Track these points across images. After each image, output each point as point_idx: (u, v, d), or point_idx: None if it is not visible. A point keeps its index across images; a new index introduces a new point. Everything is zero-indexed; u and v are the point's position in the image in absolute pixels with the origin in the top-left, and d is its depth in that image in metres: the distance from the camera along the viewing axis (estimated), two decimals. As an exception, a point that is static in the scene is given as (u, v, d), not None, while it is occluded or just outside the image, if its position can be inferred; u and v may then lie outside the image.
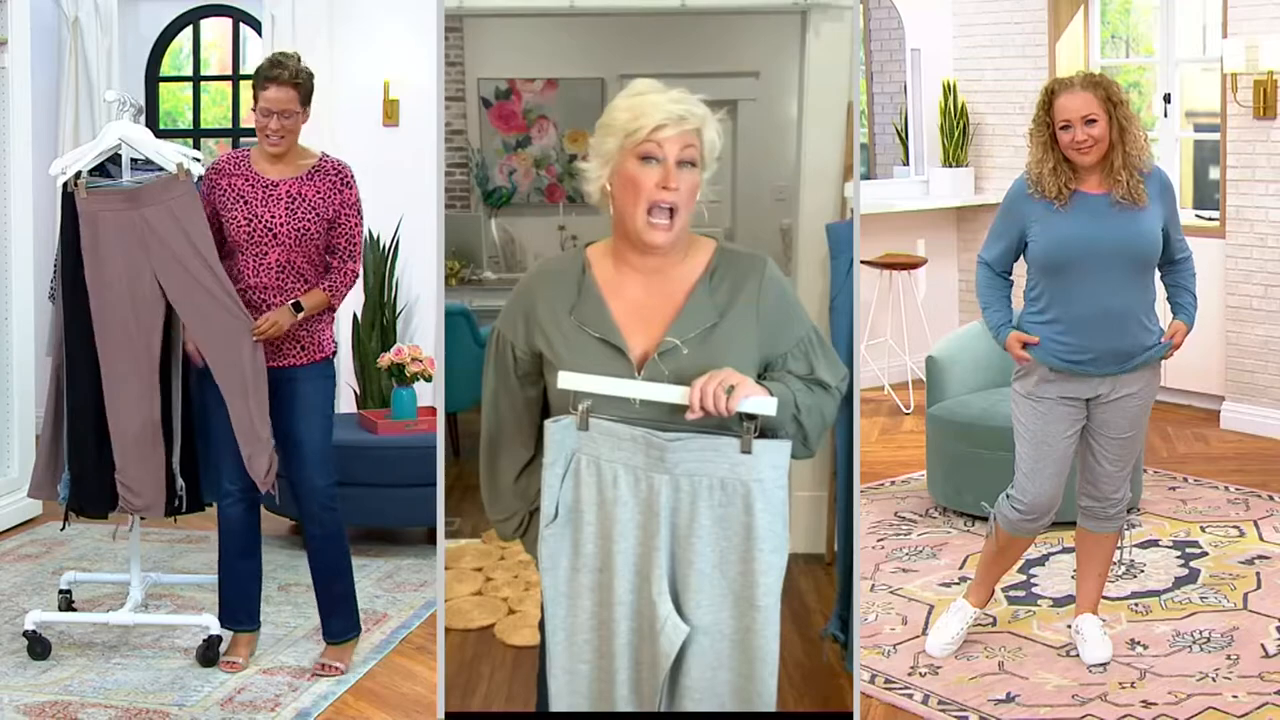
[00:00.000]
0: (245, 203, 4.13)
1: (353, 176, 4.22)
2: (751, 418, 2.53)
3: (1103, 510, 4.17)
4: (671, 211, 2.57)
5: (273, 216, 4.11)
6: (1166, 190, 4.04)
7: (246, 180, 4.15)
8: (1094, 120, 3.88)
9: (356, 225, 4.21)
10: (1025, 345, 4.04)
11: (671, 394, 2.53)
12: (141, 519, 4.36)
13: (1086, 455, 4.14)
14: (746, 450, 2.53)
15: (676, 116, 2.57)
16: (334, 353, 4.30)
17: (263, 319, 4.07)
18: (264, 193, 4.13)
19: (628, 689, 2.60)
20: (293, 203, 4.12)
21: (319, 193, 4.14)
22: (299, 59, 4.17)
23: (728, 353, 2.58)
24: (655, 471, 2.55)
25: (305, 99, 4.14)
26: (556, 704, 2.65)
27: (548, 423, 2.60)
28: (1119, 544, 4.31)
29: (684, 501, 2.55)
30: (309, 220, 4.12)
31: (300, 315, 4.11)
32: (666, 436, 2.54)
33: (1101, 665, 4.14)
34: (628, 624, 2.58)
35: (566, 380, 2.55)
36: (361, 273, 4.26)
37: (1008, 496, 4.18)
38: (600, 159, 2.62)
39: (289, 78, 4.08)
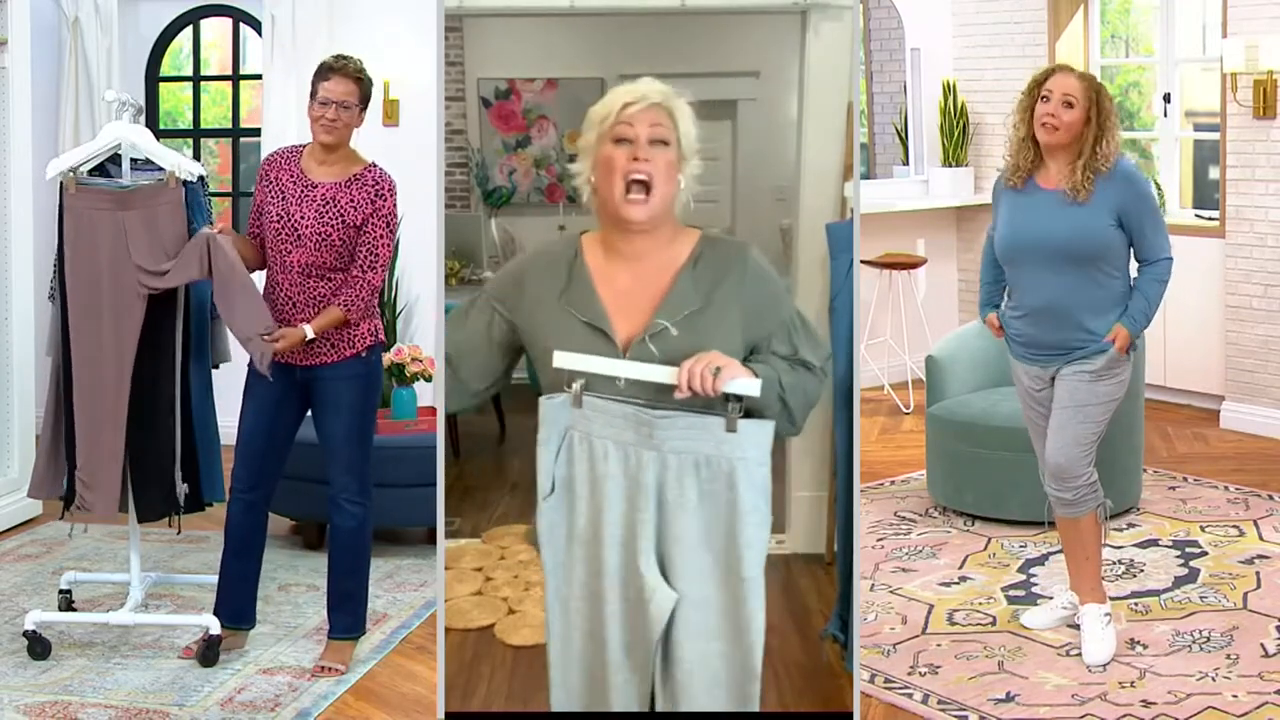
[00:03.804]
0: (283, 199, 4.16)
1: (390, 190, 4.18)
2: (737, 398, 2.62)
3: (1060, 495, 4.23)
4: (647, 187, 2.68)
5: (302, 217, 4.13)
6: (1128, 185, 4.12)
7: (291, 177, 4.19)
8: (1071, 103, 4.07)
9: (382, 236, 4.16)
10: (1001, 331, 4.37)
11: (660, 374, 2.63)
12: (140, 519, 4.35)
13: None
14: (731, 429, 2.63)
15: (640, 94, 2.71)
16: (372, 346, 4.24)
17: (277, 333, 4.09)
18: (302, 192, 4.15)
19: (621, 654, 2.69)
20: (324, 206, 4.13)
21: (351, 200, 4.13)
22: (361, 62, 4.21)
23: (712, 336, 2.68)
24: (644, 447, 2.64)
25: (364, 99, 4.17)
26: (554, 671, 2.76)
27: (542, 400, 2.69)
28: (1104, 531, 4.32)
29: (671, 477, 2.64)
30: (333, 226, 4.11)
31: (310, 339, 4.12)
32: (655, 414, 2.64)
33: (1101, 665, 4.15)
34: (617, 593, 2.67)
35: (562, 359, 2.64)
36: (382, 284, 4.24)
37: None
38: (584, 155, 2.76)
39: (352, 71, 4.14)
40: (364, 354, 4.22)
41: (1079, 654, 4.22)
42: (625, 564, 2.66)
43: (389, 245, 4.19)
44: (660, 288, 2.73)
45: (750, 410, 2.66)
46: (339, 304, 4.13)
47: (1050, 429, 4.23)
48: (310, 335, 4.11)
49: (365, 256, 4.15)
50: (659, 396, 2.65)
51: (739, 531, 2.64)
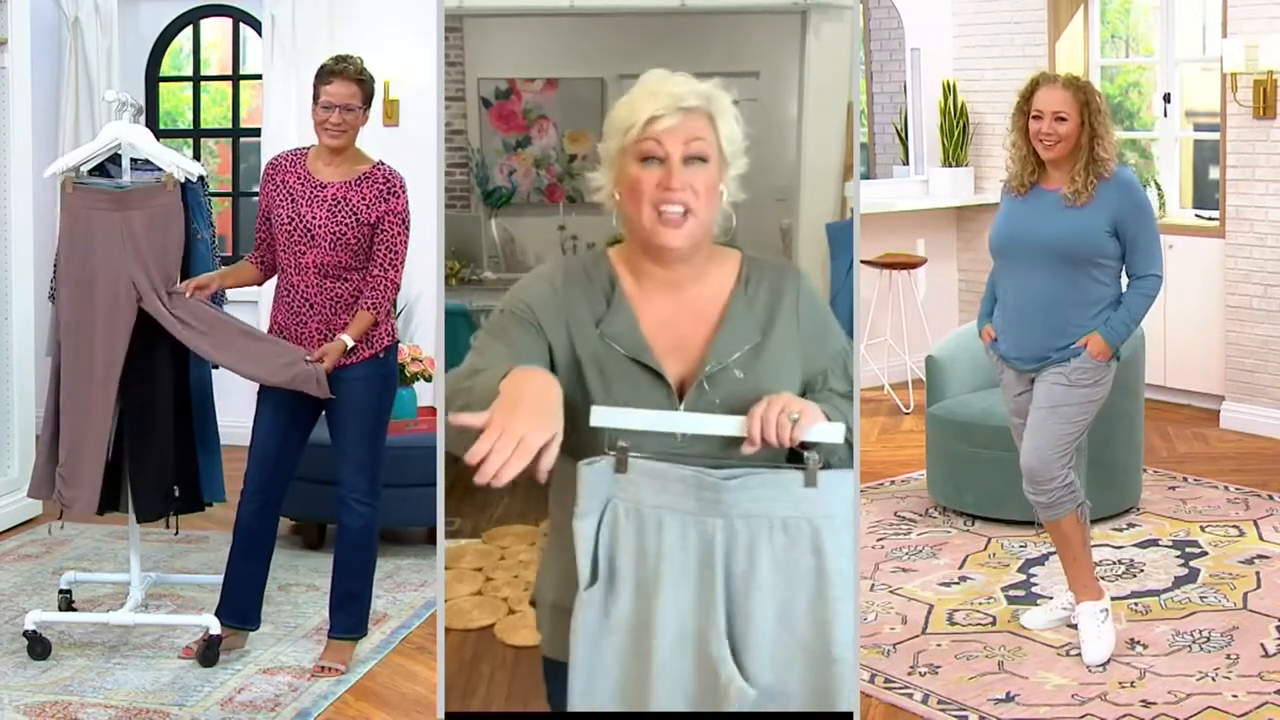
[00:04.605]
0: (292, 201, 4.15)
1: (402, 187, 4.18)
2: (811, 447, 2.23)
3: (1038, 500, 4.24)
4: (686, 210, 2.27)
5: (314, 217, 4.12)
6: (1127, 195, 4.12)
7: (299, 179, 4.18)
8: (1064, 118, 4.07)
9: (399, 235, 4.17)
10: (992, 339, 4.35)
11: (727, 425, 2.22)
12: (140, 519, 4.35)
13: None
14: (811, 484, 2.23)
15: (673, 106, 2.26)
16: (389, 346, 4.24)
17: (319, 353, 4.10)
18: (311, 193, 4.15)
19: None
20: (335, 206, 4.12)
21: (363, 198, 4.13)
22: (362, 60, 4.20)
23: (774, 374, 2.31)
24: (708, 516, 2.22)
25: (367, 99, 4.16)
26: None
27: (582, 465, 2.22)
28: (1087, 531, 4.32)
29: (740, 547, 2.23)
30: (348, 225, 4.11)
31: (351, 344, 4.12)
32: (721, 475, 2.21)
33: (1100, 665, 4.15)
34: (671, 692, 2.25)
35: (601, 416, 2.20)
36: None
37: None
38: (606, 164, 2.34)
39: (353, 73, 4.12)
40: (382, 354, 4.22)
41: (1079, 654, 4.22)
42: (691, 657, 2.23)
43: (406, 242, 4.20)
44: (710, 319, 2.33)
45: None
46: (366, 307, 4.14)
47: (1026, 431, 4.23)
48: (350, 344, 4.12)
49: (385, 255, 4.15)
50: (722, 451, 2.23)
51: (827, 605, 2.23)
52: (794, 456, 2.26)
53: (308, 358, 4.08)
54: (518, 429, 1.96)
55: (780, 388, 2.27)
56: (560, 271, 2.37)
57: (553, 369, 2.28)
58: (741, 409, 2.22)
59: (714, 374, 2.29)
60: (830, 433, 2.23)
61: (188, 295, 4.17)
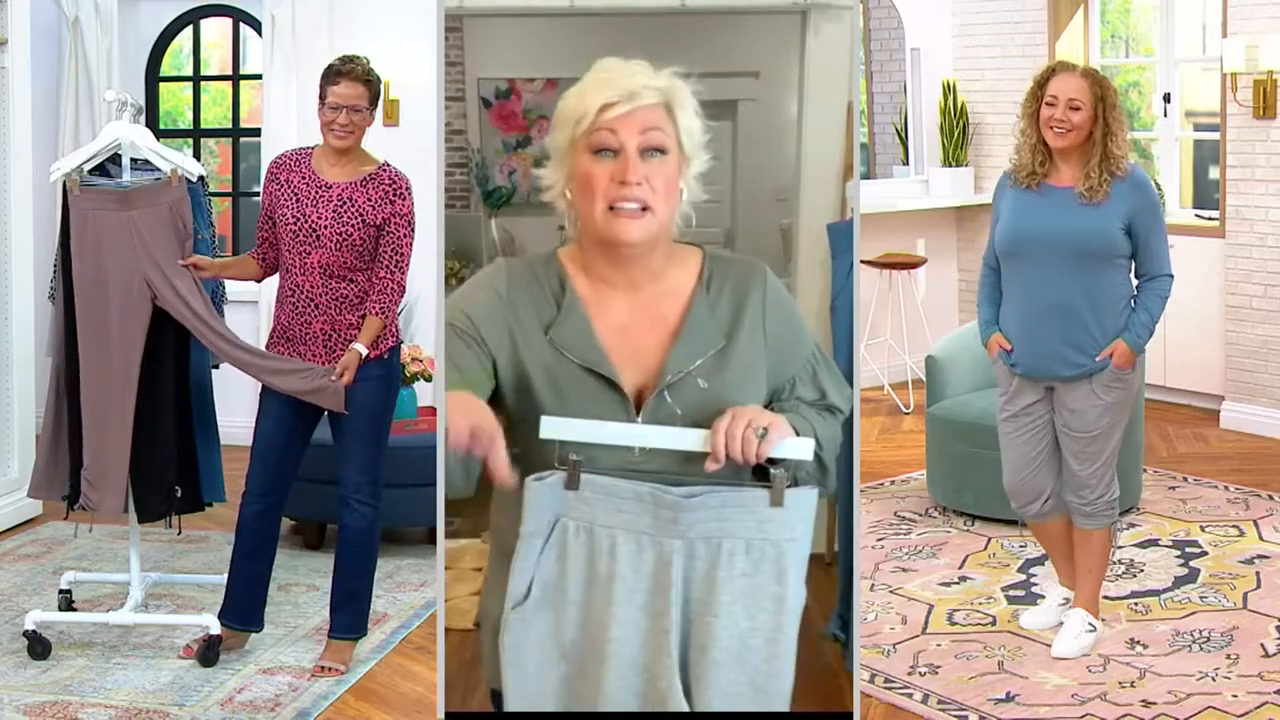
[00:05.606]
0: (297, 201, 4.14)
1: (408, 189, 4.17)
2: (778, 463, 2.09)
3: (1081, 507, 4.24)
4: (644, 207, 2.12)
5: (319, 217, 4.11)
6: (1141, 194, 4.09)
7: (303, 179, 4.17)
8: (1078, 107, 4.03)
9: (404, 237, 4.16)
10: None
11: (688, 440, 2.08)
12: (141, 519, 4.35)
13: (1060, 450, 4.26)
14: (777, 503, 2.08)
15: (628, 92, 2.10)
16: (393, 347, 4.24)
17: (339, 368, 4.09)
18: (317, 193, 4.14)
19: None
20: (341, 206, 4.11)
21: (369, 199, 4.12)
22: (368, 60, 4.18)
23: (740, 382, 2.16)
24: (665, 536, 2.08)
25: (374, 99, 4.15)
26: None
27: (530, 481, 2.07)
28: (1114, 544, 4.34)
29: (698, 571, 2.08)
30: (353, 225, 4.10)
31: (366, 353, 4.11)
32: (680, 492, 2.07)
33: (1064, 658, 4.18)
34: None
35: (552, 427, 2.06)
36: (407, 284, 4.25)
37: None
38: (556, 160, 2.19)
39: (360, 74, 4.11)
40: (385, 355, 4.22)
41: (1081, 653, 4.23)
42: (638, 688, 2.09)
43: (411, 244, 4.19)
44: (670, 322, 2.17)
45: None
46: (374, 312, 4.13)
47: (1073, 453, 4.20)
48: (365, 353, 4.11)
49: (390, 257, 4.14)
50: (682, 466, 2.10)
51: (782, 634, 2.10)
52: (759, 471, 2.12)
53: (330, 376, 4.07)
54: (460, 428, 1.95)
55: (746, 397, 2.13)
56: (505, 275, 2.20)
57: (498, 385, 2.15)
58: (704, 420, 2.09)
59: (674, 383, 2.13)
60: (799, 448, 2.09)
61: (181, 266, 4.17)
